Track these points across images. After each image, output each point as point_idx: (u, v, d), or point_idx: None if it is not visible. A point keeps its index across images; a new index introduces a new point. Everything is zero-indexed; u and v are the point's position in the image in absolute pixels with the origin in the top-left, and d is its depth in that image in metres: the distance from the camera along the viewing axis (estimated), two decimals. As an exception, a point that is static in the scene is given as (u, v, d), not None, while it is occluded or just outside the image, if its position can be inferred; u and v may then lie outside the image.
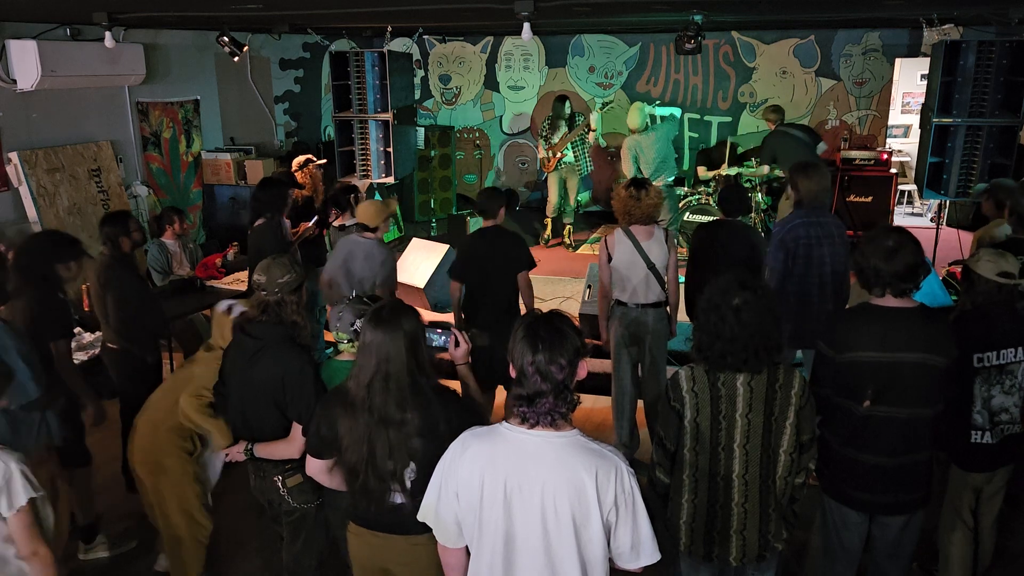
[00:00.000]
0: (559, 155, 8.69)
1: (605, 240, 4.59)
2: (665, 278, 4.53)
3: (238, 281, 6.00)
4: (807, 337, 4.21)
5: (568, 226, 9.11)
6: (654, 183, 4.81)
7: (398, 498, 2.51)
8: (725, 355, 2.55)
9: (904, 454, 2.87)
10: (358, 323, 3.07)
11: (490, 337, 4.44)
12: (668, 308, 4.64)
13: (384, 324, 2.46)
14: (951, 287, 5.34)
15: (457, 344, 2.75)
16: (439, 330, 2.75)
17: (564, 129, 8.70)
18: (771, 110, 7.82)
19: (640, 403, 4.87)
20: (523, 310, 4.77)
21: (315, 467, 2.72)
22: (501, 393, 4.38)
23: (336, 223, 6.12)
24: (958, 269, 3.82)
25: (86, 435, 4.06)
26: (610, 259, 4.53)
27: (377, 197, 8.76)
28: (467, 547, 2.20)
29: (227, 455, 3.23)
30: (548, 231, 9.24)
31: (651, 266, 4.46)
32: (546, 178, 9.03)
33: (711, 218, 8.06)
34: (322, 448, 2.65)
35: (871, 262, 2.81)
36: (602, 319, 4.74)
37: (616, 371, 4.76)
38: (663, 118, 8.47)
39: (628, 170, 8.15)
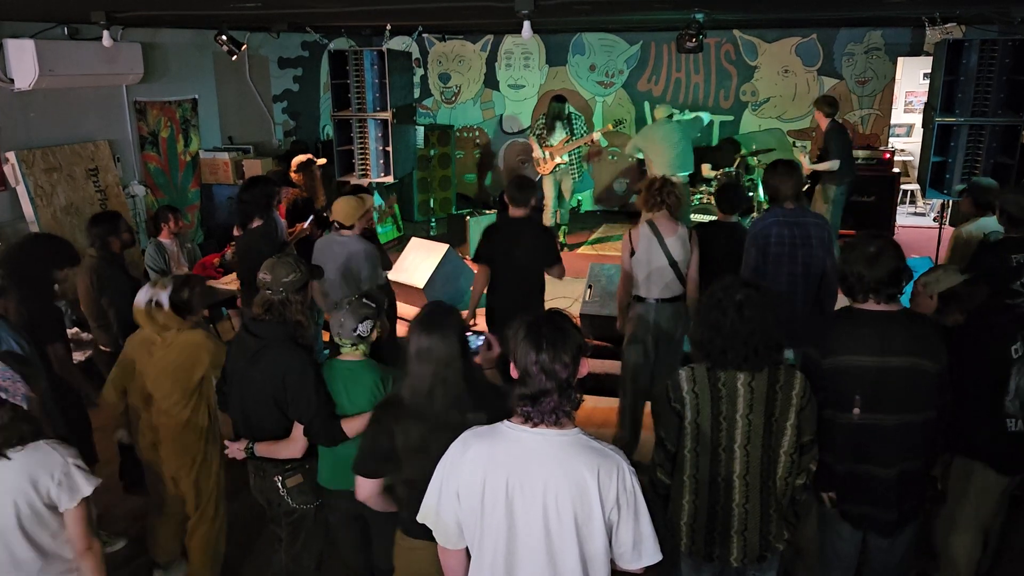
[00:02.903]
0: (558, 160, 8.60)
1: (629, 234, 4.60)
2: (685, 273, 4.52)
3: (236, 281, 5.96)
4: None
5: (563, 227, 9.07)
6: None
7: None
8: (726, 351, 2.55)
9: (897, 463, 2.82)
10: (360, 327, 3.04)
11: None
12: (687, 303, 4.62)
13: (436, 328, 2.44)
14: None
15: (489, 347, 2.76)
16: (470, 333, 2.74)
17: (563, 134, 8.59)
18: (825, 102, 7.28)
19: (647, 403, 4.83)
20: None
21: (367, 490, 2.59)
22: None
23: None
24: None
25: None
26: (633, 253, 4.53)
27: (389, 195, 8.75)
28: (467, 549, 2.18)
29: (227, 450, 3.21)
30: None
31: (673, 262, 4.47)
32: (541, 179, 8.96)
33: (713, 218, 8.04)
34: (378, 466, 2.55)
35: (854, 269, 2.79)
36: (621, 311, 4.75)
37: (623, 368, 4.76)
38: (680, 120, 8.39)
39: (629, 149, 8.25)
